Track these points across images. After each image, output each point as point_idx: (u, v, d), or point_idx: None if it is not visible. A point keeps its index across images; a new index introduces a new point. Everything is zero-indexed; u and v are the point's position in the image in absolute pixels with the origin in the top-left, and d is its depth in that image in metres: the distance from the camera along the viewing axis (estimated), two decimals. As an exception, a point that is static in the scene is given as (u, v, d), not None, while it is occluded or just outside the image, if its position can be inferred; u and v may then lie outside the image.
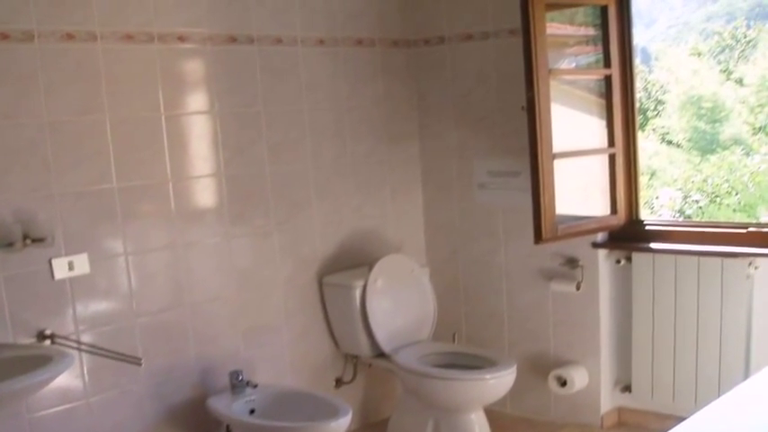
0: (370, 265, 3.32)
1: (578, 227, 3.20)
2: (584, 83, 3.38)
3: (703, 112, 11.98)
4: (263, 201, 3.14)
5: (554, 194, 3.05)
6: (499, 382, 3.01)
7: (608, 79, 3.23)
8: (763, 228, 3.03)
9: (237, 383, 2.88)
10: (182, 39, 2.85)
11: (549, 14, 3.06)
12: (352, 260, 3.47)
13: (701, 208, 10.33)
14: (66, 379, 2.55)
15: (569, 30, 3.38)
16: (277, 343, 3.22)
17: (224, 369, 2.96)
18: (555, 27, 3.21)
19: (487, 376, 3.01)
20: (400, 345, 3.31)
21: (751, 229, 3.04)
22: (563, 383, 3.35)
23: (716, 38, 13.77)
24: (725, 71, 12.69)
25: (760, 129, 11.47)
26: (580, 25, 3.38)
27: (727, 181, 10.39)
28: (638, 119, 3.42)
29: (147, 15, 2.74)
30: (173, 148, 2.84)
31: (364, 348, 3.31)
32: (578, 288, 3.32)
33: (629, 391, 3.34)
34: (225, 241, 3.02)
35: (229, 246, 3.03)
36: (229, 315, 3.05)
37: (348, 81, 3.43)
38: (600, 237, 3.34)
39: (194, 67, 2.92)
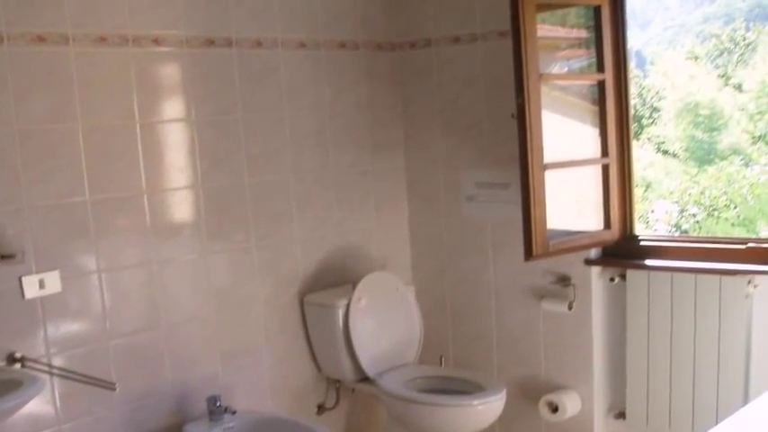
0: (354, 284, 3.45)
1: (570, 242, 3.28)
2: (577, 89, 3.48)
3: (700, 119, 12.17)
4: (243, 215, 3.25)
5: (545, 208, 3.11)
6: (488, 407, 3.12)
7: (601, 84, 3.30)
8: (762, 243, 3.07)
9: (215, 409, 2.97)
10: (157, 41, 2.96)
11: (540, 15, 3.12)
12: (335, 278, 3.60)
13: (698, 222, 10.55)
14: (37, 405, 2.64)
15: (561, 32, 3.50)
16: (257, 366, 3.33)
17: (201, 394, 3.06)
18: (546, 29, 3.32)
19: (475, 402, 3.11)
20: (385, 368, 3.44)
21: (750, 244, 3.09)
22: (554, 409, 3.43)
23: (713, 40, 14.09)
24: (723, 76, 12.93)
25: (760, 137, 11.75)
26: (572, 27, 3.50)
27: (725, 193, 10.56)
28: (633, 127, 3.45)
29: (121, 17, 2.85)
30: (148, 158, 2.94)
31: (347, 372, 3.43)
32: (570, 308, 3.40)
33: (624, 417, 3.41)
34: (202, 258, 3.13)
35: (207, 263, 3.14)
36: (207, 337, 3.15)
37: (330, 86, 3.55)
38: (593, 253, 3.40)
39: (170, 72, 3.03)
